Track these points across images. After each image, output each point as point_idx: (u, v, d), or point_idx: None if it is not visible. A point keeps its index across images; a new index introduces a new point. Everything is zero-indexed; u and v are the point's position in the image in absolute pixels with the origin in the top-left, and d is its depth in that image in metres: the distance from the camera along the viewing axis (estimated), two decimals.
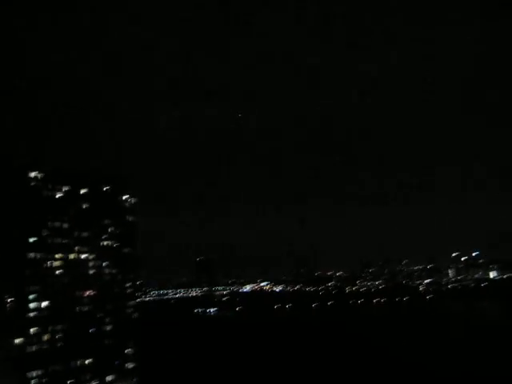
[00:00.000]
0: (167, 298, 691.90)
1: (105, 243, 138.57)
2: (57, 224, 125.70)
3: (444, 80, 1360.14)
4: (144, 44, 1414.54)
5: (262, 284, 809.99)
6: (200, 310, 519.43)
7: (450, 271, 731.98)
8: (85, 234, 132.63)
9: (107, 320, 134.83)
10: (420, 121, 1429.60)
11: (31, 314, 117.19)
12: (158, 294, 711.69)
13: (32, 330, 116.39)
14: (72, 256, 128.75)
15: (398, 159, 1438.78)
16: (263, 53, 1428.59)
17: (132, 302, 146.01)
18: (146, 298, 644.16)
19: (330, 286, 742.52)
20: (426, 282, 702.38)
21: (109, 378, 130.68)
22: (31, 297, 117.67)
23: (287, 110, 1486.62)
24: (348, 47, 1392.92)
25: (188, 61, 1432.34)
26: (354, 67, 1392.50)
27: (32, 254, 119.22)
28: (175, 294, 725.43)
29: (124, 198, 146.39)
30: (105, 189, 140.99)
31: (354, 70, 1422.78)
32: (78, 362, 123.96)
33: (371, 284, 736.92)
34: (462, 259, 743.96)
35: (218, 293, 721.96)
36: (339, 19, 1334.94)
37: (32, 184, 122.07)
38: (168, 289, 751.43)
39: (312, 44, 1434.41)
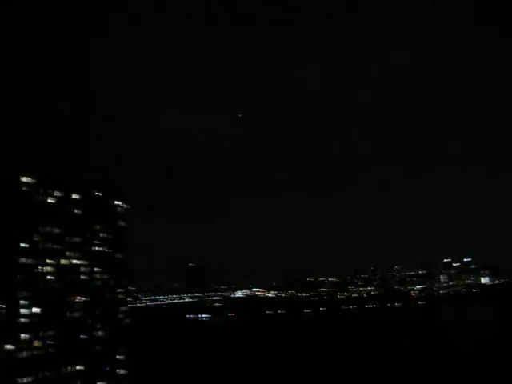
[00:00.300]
0: (159, 304, 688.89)
1: (96, 249, 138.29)
2: (48, 229, 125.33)
3: (444, 80, 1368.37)
4: (144, 44, 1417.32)
5: (255, 290, 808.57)
6: (192, 316, 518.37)
7: (442, 277, 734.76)
8: (76, 240, 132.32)
9: (98, 326, 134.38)
10: (419, 121, 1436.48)
11: (22, 320, 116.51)
12: (150, 300, 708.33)
13: (23, 336, 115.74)
14: (63, 261, 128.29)
15: (397, 160, 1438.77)
16: (263, 53, 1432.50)
17: (123, 308, 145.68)
18: (137, 303, 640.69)
19: (322, 292, 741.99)
20: (418, 287, 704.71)
21: None
22: (22, 302, 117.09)
23: (287, 110, 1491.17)
24: (348, 47, 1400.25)
25: (188, 61, 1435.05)
26: (354, 67, 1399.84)
27: (23, 260, 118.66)
28: (167, 300, 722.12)
29: (116, 203, 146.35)
30: (96, 194, 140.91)
31: (354, 69, 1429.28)
32: (69, 369, 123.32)
33: (363, 290, 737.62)
34: (454, 265, 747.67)
35: (210, 299, 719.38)
36: (339, 19, 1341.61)
37: (23, 189, 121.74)
38: (160, 295, 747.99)
39: (312, 43, 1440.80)
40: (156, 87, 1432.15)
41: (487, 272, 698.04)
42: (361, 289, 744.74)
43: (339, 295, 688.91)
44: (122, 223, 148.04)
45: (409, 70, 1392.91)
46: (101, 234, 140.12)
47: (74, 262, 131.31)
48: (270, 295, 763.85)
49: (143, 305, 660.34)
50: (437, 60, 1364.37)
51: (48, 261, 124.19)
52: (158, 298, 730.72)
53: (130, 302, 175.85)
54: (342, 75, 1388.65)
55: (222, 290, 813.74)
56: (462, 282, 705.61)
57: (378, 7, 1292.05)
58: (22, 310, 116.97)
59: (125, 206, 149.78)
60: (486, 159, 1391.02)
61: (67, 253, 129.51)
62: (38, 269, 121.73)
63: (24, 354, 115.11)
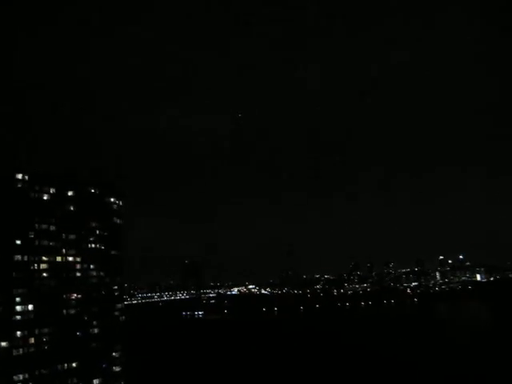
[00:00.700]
0: (155, 301, 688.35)
1: (92, 246, 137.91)
2: (44, 226, 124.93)
3: (444, 80, 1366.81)
4: (144, 44, 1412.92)
5: (250, 287, 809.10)
6: (187, 313, 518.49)
7: (437, 274, 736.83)
8: (72, 237, 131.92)
9: (94, 323, 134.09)
10: (420, 121, 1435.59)
11: (17, 317, 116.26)
12: (146, 297, 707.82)
13: (18, 333, 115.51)
14: (59, 258, 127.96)
15: (396, 160, 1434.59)
16: (263, 53, 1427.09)
17: (119, 305, 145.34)
18: (133, 300, 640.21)
19: (318, 288, 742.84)
20: (413, 284, 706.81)
21: (95, 382, 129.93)
22: (17, 299, 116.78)
23: (287, 110, 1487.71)
24: (348, 46, 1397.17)
25: (188, 61, 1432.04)
26: (353, 67, 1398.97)
27: (19, 257, 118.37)
28: (163, 297, 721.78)
29: (111, 200, 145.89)
30: (92, 191, 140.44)
31: (353, 69, 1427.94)
32: (65, 366, 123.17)
33: (359, 287, 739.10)
34: (449, 262, 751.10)
35: (205, 296, 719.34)
36: (339, 19, 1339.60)
37: (19, 186, 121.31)
38: (156, 292, 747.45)
39: (312, 43, 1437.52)
40: (156, 87, 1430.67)
41: (482, 269, 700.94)
42: (356, 286, 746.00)
43: (335, 292, 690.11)
44: (117, 220, 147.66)
45: (409, 70, 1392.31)
46: (96, 231, 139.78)
47: (70, 259, 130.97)
48: (265, 292, 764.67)
49: (139, 302, 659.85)
50: (437, 60, 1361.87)
51: (43, 258, 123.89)
52: (153, 295, 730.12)
53: (125, 299, 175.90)
54: (342, 75, 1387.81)
55: (218, 287, 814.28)
56: (457, 279, 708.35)
57: (379, 7, 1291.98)
58: (18, 307, 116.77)
59: (120, 203, 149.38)
60: (486, 159, 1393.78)
61: (63, 250, 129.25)
62: (33, 266, 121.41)
63: (19, 351, 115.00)
